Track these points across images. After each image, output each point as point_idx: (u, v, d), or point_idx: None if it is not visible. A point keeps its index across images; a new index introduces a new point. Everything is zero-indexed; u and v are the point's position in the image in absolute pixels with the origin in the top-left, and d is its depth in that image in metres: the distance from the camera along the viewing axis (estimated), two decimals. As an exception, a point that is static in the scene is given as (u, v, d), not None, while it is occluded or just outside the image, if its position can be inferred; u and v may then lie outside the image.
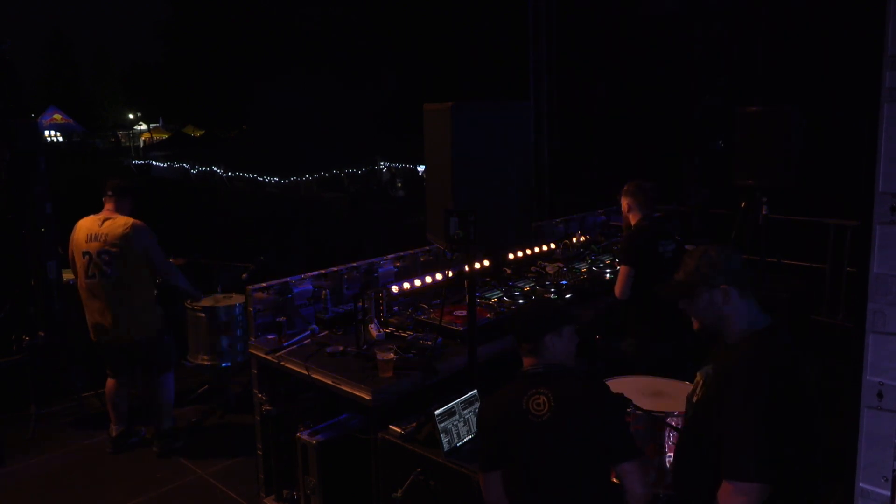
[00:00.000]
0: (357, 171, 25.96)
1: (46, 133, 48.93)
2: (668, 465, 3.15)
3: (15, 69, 5.37)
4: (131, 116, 63.08)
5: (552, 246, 5.63)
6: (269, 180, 26.03)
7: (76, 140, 51.53)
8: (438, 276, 4.55)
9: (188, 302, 5.39)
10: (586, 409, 2.42)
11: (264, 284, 3.96)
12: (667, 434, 3.12)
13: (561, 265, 5.16)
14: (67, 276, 5.57)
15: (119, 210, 4.61)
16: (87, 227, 4.57)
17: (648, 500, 2.48)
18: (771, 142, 5.09)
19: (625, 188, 4.39)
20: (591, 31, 8.99)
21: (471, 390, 3.04)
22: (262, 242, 10.92)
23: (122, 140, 55.34)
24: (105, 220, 4.55)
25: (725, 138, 6.92)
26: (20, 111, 5.43)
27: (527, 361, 2.55)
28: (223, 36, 43.90)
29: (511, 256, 5.18)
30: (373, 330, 3.76)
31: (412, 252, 4.69)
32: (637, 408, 3.02)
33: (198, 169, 30.43)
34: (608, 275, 4.93)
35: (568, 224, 6.21)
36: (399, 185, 24.99)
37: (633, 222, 4.32)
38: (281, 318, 3.85)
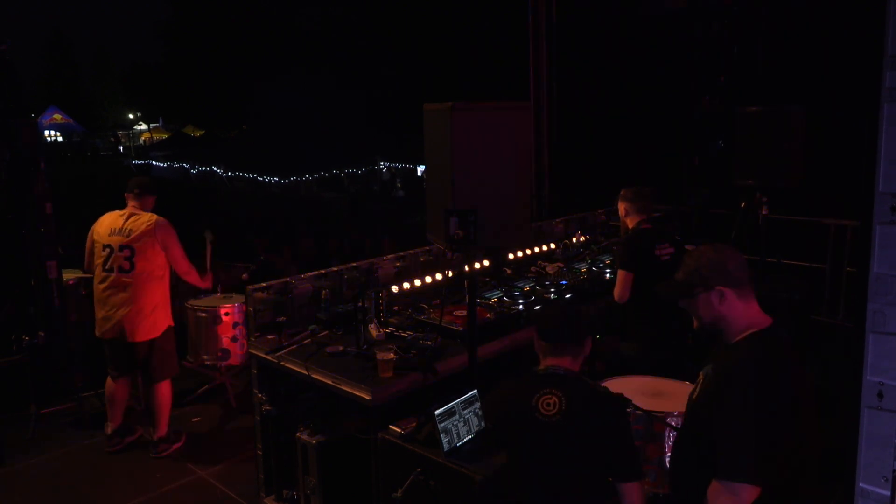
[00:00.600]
0: (357, 171, 25.97)
1: (46, 133, 48.93)
2: (667, 464, 3.15)
3: (15, 69, 5.37)
4: (131, 116, 63.09)
5: (552, 246, 5.63)
6: (270, 180, 26.05)
7: (76, 140, 51.52)
8: (438, 276, 4.54)
9: (188, 302, 5.40)
10: (597, 420, 2.44)
11: (264, 284, 3.96)
12: (667, 434, 3.12)
13: (561, 265, 5.16)
14: (68, 276, 5.57)
15: (142, 208, 4.67)
16: (110, 221, 4.62)
17: None
18: (771, 142, 5.09)
19: (621, 193, 4.41)
20: (591, 31, 8.98)
21: (471, 390, 3.04)
22: (262, 243, 10.92)
23: (122, 140, 55.35)
24: (130, 215, 4.62)
25: (725, 138, 6.92)
26: (20, 111, 5.42)
27: (546, 361, 2.61)
28: (223, 36, 43.89)
29: (511, 256, 5.18)
30: (373, 330, 3.75)
31: (412, 252, 4.69)
32: (637, 408, 3.02)
33: (198, 169, 30.44)
34: (608, 275, 4.93)
35: (568, 224, 6.21)
36: (399, 185, 25.00)
37: (630, 226, 4.33)
38: (281, 318, 3.85)
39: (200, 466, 4.63)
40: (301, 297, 4.03)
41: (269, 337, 3.87)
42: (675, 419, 3.12)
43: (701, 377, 2.39)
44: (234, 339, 5.29)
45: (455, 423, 2.90)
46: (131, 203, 4.68)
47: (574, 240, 5.79)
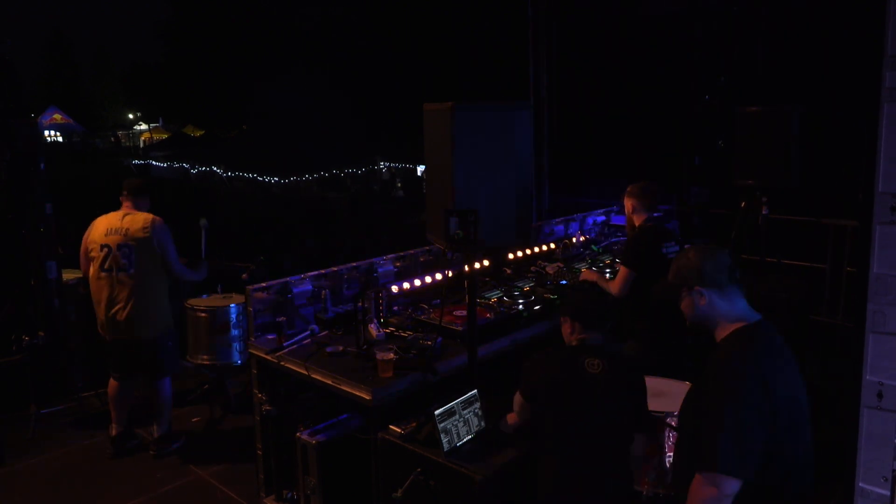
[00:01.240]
0: (357, 171, 25.97)
1: (46, 133, 48.88)
2: (667, 465, 3.15)
3: (15, 69, 5.37)
4: (131, 116, 63.05)
5: (552, 246, 5.63)
6: (270, 180, 26.05)
7: (76, 140, 51.51)
8: (438, 276, 4.54)
9: (188, 302, 5.40)
10: (630, 378, 2.86)
11: (264, 284, 3.96)
12: (667, 434, 3.13)
13: (561, 265, 5.16)
14: (68, 276, 5.57)
15: (137, 208, 4.69)
16: (106, 221, 4.62)
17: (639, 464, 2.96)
18: (771, 142, 5.09)
19: (628, 189, 4.39)
20: (591, 30, 8.98)
21: (471, 390, 3.04)
22: (263, 242, 10.93)
23: (122, 140, 55.32)
24: (125, 215, 4.63)
25: (725, 138, 6.92)
26: (20, 111, 5.43)
27: (580, 336, 2.97)
28: (223, 36, 43.87)
29: (511, 256, 5.18)
30: (373, 330, 3.75)
31: (412, 252, 4.69)
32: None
33: (198, 169, 30.44)
34: (608, 275, 4.93)
35: (568, 224, 6.21)
36: (399, 185, 25.00)
37: (636, 224, 4.32)
38: (281, 318, 3.85)
39: (200, 466, 4.63)
40: (301, 297, 4.03)
41: (269, 337, 3.87)
42: (675, 419, 3.12)
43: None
44: (233, 340, 5.29)
45: (455, 423, 2.91)
46: (126, 204, 4.69)
47: (574, 240, 5.79)
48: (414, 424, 3.00)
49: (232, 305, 5.29)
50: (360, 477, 3.32)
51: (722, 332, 2.30)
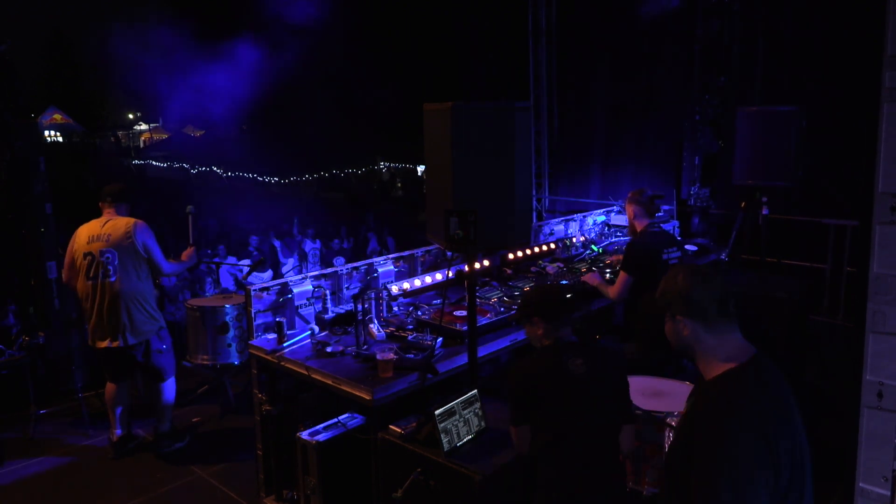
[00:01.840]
0: (357, 171, 25.96)
1: (46, 133, 48.86)
2: (668, 465, 3.15)
3: (15, 69, 5.37)
4: (131, 116, 62.98)
5: (552, 246, 5.63)
6: (270, 180, 26.05)
7: (76, 140, 51.49)
8: (438, 276, 4.54)
9: (188, 302, 5.40)
10: (613, 372, 2.80)
11: (264, 284, 3.96)
12: (667, 434, 3.13)
13: (561, 265, 5.16)
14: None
15: (118, 213, 4.68)
16: (87, 230, 4.60)
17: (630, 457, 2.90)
18: (771, 142, 5.09)
19: (630, 196, 4.41)
20: (591, 30, 8.98)
21: (471, 390, 3.04)
22: (262, 242, 10.91)
23: (122, 140, 55.28)
24: (106, 221, 4.61)
25: (725, 138, 6.92)
26: (20, 111, 5.43)
27: (554, 334, 2.83)
28: (223, 35, 43.80)
29: (511, 256, 5.18)
30: (373, 330, 3.75)
31: (412, 252, 4.69)
32: (637, 408, 3.03)
33: (198, 169, 30.43)
34: (608, 275, 4.93)
35: (568, 224, 6.21)
36: (399, 185, 25.00)
37: (638, 229, 4.34)
38: (281, 318, 3.85)
39: (200, 466, 4.63)
40: (301, 297, 4.03)
41: (269, 337, 3.87)
42: (675, 419, 3.12)
43: (685, 410, 2.16)
44: (233, 340, 5.29)
45: (455, 423, 2.90)
46: (107, 210, 4.67)
47: (574, 240, 5.79)
48: (414, 424, 2.99)
49: (232, 305, 5.29)
50: (360, 477, 3.32)
51: (709, 371, 2.04)
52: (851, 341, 2.14)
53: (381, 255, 5.19)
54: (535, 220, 7.72)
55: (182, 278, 7.67)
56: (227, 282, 7.92)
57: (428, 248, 4.71)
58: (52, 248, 5.50)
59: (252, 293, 3.88)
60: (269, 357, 3.71)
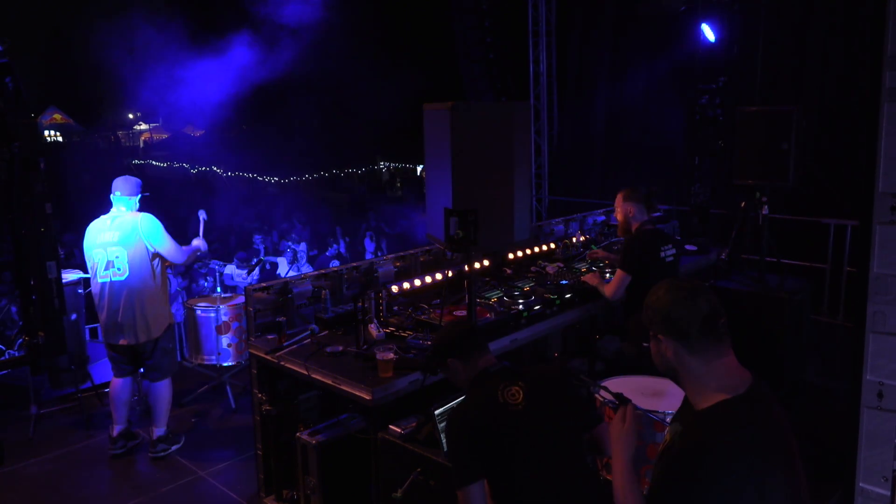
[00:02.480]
0: (357, 171, 25.97)
1: (46, 133, 48.87)
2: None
3: (15, 69, 5.36)
4: (131, 116, 62.98)
5: (552, 246, 5.63)
6: (270, 180, 26.06)
7: (76, 140, 51.49)
8: (438, 276, 4.54)
9: (188, 301, 5.40)
10: (557, 391, 2.55)
11: (264, 284, 3.96)
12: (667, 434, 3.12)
13: (561, 265, 5.16)
14: (67, 276, 5.58)
15: (127, 208, 4.65)
16: (98, 226, 4.60)
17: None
18: (771, 142, 5.09)
19: (624, 194, 4.39)
20: (591, 30, 8.99)
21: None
22: (262, 242, 10.92)
23: (122, 140, 55.28)
24: (115, 218, 4.60)
25: (725, 138, 6.92)
26: (20, 111, 5.42)
27: (479, 364, 2.59)
28: (222, 36, 43.80)
29: (511, 256, 5.17)
30: (373, 330, 3.75)
31: (412, 252, 4.69)
32: (637, 408, 3.02)
33: (197, 169, 30.43)
34: (608, 275, 4.93)
35: (568, 224, 6.21)
36: (399, 185, 25.01)
37: (633, 228, 4.32)
38: (281, 318, 3.85)
39: (200, 466, 4.63)
40: (301, 297, 4.03)
41: (269, 337, 3.87)
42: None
43: (668, 437, 2.01)
44: (233, 340, 5.29)
45: (455, 423, 2.90)
46: (116, 205, 4.65)
47: (574, 240, 5.79)
48: (414, 424, 2.99)
49: (232, 305, 5.29)
50: (360, 477, 3.32)
51: (699, 400, 1.86)
52: (851, 341, 2.14)
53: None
54: (534, 220, 7.73)
55: (177, 272, 7.69)
56: (228, 281, 7.93)
57: (428, 247, 4.71)
58: (52, 248, 5.49)
59: (252, 293, 3.88)
60: (269, 357, 3.71)
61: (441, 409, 2.87)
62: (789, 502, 1.76)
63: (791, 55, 7.07)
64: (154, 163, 34.67)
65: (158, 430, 4.76)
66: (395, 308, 4.22)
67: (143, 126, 59.33)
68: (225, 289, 5.80)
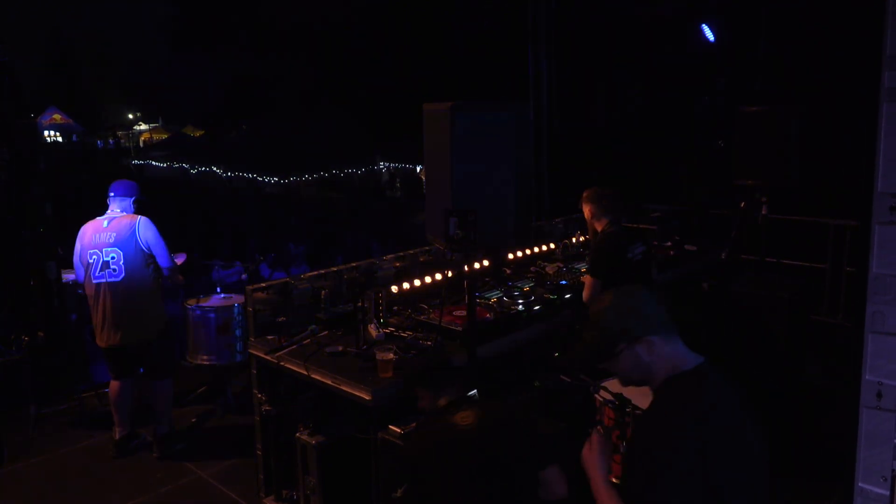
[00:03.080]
0: (357, 171, 25.98)
1: (46, 133, 48.89)
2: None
3: (15, 69, 5.37)
4: (131, 116, 63.01)
5: (552, 246, 5.63)
6: (270, 180, 26.08)
7: (76, 140, 51.51)
8: (438, 276, 4.54)
9: (188, 301, 5.40)
10: (514, 414, 2.59)
11: (264, 284, 3.96)
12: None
13: (561, 265, 5.16)
14: (67, 275, 5.58)
15: (123, 210, 4.65)
16: (92, 227, 4.60)
17: None
18: (771, 142, 5.10)
19: (585, 195, 4.31)
20: (591, 30, 8.99)
21: (471, 390, 3.04)
22: (262, 242, 10.93)
23: (122, 140, 55.31)
24: (111, 219, 4.60)
25: (725, 138, 6.92)
26: (20, 111, 5.43)
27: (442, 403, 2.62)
28: (223, 35, 43.85)
29: (511, 256, 5.18)
30: (373, 330, 3.76)
31: (412, 252, 4.69)
32: (637, 408, 3.03)
33: (197, 169, 30.46)
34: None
35: (568, 224, 6.21)
36: (398, 185, 25.03)
37: (599, 229, 4.24)
38: (281, 318, 3.85)
39: (200, 466, 4.63)
40: (301, 296, 4.03)
41: (269, 337, 3.87)
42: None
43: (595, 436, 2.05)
44: (233, 339, 5.29)
45: (455, 423, 2.90)
46: (112, 206, 4.66)
47: (574, 240, 5.79)
48: (414, 424, 2.99)
49: (232, 305, 5.29)
50: (360, 477, 3.32)
51: (659, 381, 1.91)
52: (851, 341, 2.14)
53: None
54: (534, 220, 7.72)
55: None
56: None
57: (428, 248, 4.71)
58: (52, 248, 5.50)
59: (252, 293, 3.88)
60: (269, 357, 3.71)
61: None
62: (738, 463, 1.77)
63: (791, 55, 7.07)
64: (154, 163, 34.67)
65: (162, 428, 4.76)
66: (395, 308, 4.22)
67: (143, 126, 59.36)
68: (224, 289, 5.80)
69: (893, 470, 2.06)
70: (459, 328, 3.76)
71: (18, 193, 5.39)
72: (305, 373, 3.48)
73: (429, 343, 3.55)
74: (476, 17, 9.60)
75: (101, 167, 30.42)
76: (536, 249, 5.48)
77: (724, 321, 5.27)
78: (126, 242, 4.51)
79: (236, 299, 5.42)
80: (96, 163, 34.81)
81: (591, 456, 2.00)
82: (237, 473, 4.51)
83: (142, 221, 4.57)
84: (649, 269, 4.42)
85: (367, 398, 3.18)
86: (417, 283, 4.44)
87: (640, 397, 3.22)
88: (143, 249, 4.54)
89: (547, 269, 5.05)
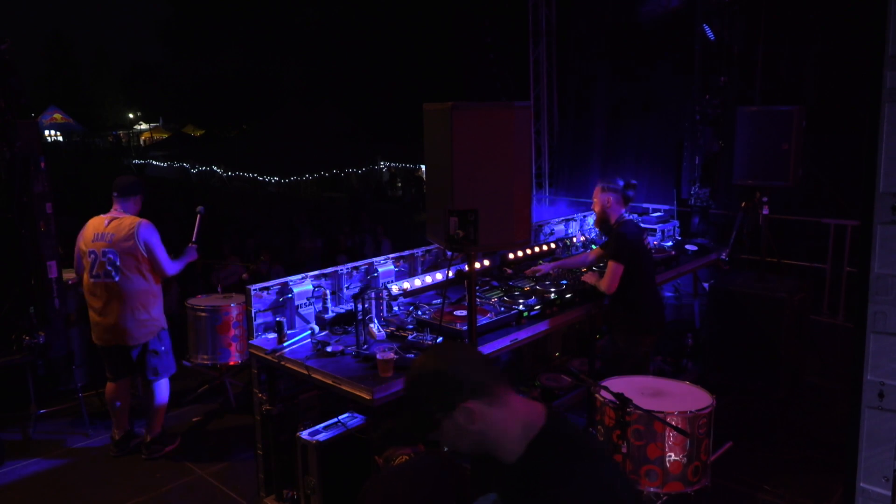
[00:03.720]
0: (357, 171, 25.98)
1: (46, 133, 48.89)
2: (667, 464, 3.16)
3: (15, 69, 5.36)
4: (131, 116, 63.01)
5: (552, 246, 5.63)
6: (270, 180, 26.07)
7: (76, 140, 51.50)
8: (438, 276, 4.54)
9: (188, 301, 5.40)
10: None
11: (264, 284, 3.96)
12: (667, 434, 3.13)
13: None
14: (67, 275, 5.57)
15: (125, 210, 4.62)
16: (94, 225, 4.58)
17: None
18: (771, 142, 5.10)
19: (604, 185, 4.37)
20: (591, 30, 8.99)
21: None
22: (263, 243, 10.93)
23: (122, 140, 55.32)
24: (112, 219, 4.57)
25: (725, 138, 6.93)
26: (20, 111, 5.42)
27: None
28: (222, 35, 43.84)
29: (511, 256, 5.17)
30: (373, 330, 3.75)
31: (412, 252, 4.69)
32: (637, 408, 3.03)
33: (198, 169, 30.44)
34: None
35: (568, 224, 6.21)
36: (399, 184, 25.03)
37: (614, 219, 4.33)
38: (281, 318, 3.85)
39: (200, 466, 4.62)
40: (301, 297, 4.03)
41: (269, 337, 3.87)
42: (675, 419, 3.12)
43: None
44: (234, 339, 5.29)
45: (455, 423, 2.90)
46: (115, 206, 4.63)
47: (574, 240, 5.79)
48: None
49: (232, 305, 5.29)
50: (360, 477, 3.32)
51: (511, 452, 1.66)
52: (851, 341, 2.14)
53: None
54: (534, 220, 7.72)
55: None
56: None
57: (428, 248, 4.71)
58: (52, 247, 5.49)
59: (252, 293, 3.88)
60: (269, 357, 3.71)
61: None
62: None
63: (791, 55, 7.07)
64: (154, 162, 34.66)
65: (152, 433, 4.74)
66: (395, 308, 4.22)
67: (144, 126, 59.37)
68: (224, 289, 5.81)
69: (895, 470, 2.06)
70: (460, 328, 3.76)
71: (18, 193, 5.39)
72: (305, 373, 3.48)
73: (429, 343, 3.54)
74: (476, 17, 9.59)
75: (102, 166, 30.40)
76: (537, 249, 5.48)
77: (725, 322, 5.27)
78: (125, 244, 4.47)
79: (236, 299, 5.42)
80: (97, 162, 34.80)
81: None
82: (237, 473, 4.51)
83: (141, 224, 4.52)
84: (653, 258, 4.65)
85: (367, 398, 3.18)
86: (417, 283, 4.44)
87: (640, 397, 3.23)
88: (141, 252, 4.50)
89: (542, 268, 5.04)
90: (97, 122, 60.66)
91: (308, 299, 4.05)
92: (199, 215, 5.08)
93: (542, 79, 9.40)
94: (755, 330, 5.10)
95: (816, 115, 5.88)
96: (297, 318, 4.00)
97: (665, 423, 3.06)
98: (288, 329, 3.87)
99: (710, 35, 6.93)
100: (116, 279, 4.48)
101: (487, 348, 3.72)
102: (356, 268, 4.35)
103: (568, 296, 4.39)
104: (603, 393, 3.21)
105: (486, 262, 4.92)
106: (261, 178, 26.49)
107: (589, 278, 4.53)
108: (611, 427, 3.20)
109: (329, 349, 3.61)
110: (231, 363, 5.37)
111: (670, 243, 5.91)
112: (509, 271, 5.01)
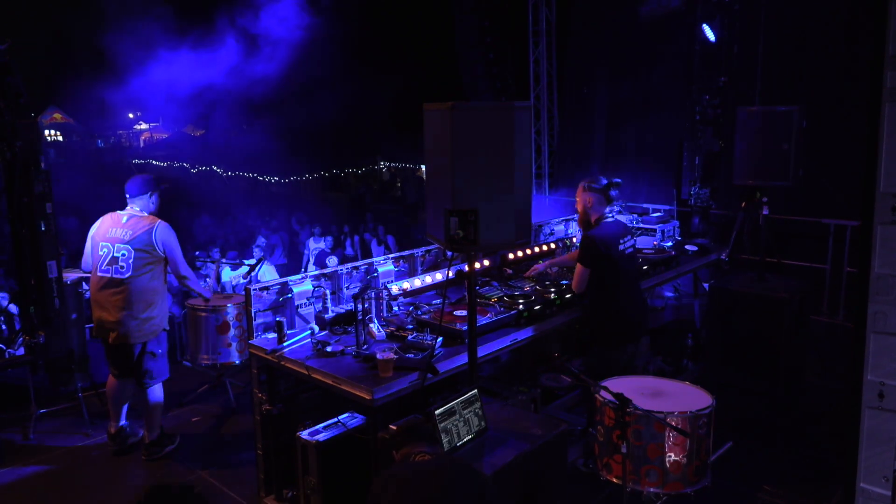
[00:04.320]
0: (357, 171, 25.97)
1: (46, 133, 48.85)
2: (667, 464, 3.16)
3: (15, 69, 5.36)
4: (131, 116, 62.96)
5: (552, 246, 5.63)
6: (270, 180, 26.07)
7: (76, 140, 51.47)
8: (438, 276, 4.54)
9: (188, 301, 5.40)
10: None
11: (264, 284, 3.96)
12: (667, 434, 3.13)
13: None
14: (68, 275, 5.57)
15: (143, 209, 4.64)
16: (110, 220, 4.59)
17: None
18: (771, 142, 5.10)
19: (585, 184, 4.31)
20: (591, 30, 8.99)
21: (471, 390, 3.04)
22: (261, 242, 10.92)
23: (123, 139, 55.27)
24: (130, 217, 4.58)
25: (725, 138, 6.93)
26: (20, 111, 5.42)
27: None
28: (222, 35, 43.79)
29: (511, 256, 5.17)
30: (373, 330, 3.75)
31: (412, 252, 4.69)
32: (637, 408, 3.03)
33: (198, 168, 30.42)
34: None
35: (568, 224, 6.21)
36: (399, 184, 25.02)
37: (594, 219, 4.24)
38: (281, 318, 3.84)
39: (200, 466, 4.62)
40: (301, 297, 4.03)
41: (269, 337, 3.87)
42: (675, 419, 3.12)
43: None
44: (233, 339, 5.29)
45: (455, 423, 2.91)
46: (131, 204, 4.65)
47: (574, 240, 5.78)
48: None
49: (232, 305, 5.29)
50: (360, 477, 3.32)
51: None
52: (851, 341, 2.14)
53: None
54: (534, 220, 7.72)
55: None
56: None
57: (428, 248, 4.71)
58: (52, 247, 5.49)
59: (252, 292, 3.87)
60: (269, 357, 3.71)
61: (441, 409, 2.87)
62: None
63: (791, 55, 7.07)
64: (154, 162, 34.63)
65: (150, 435, 4.74)
66: (395, 308, 4.22)
67: (144, 126, 59.34)
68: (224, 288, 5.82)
69: (895, 470, 2.06)
70: (460, 328, 3.76)
71: (18, 193, 5.39)
72: (305, 373, 3.48)
73: (429, 343, 3.54)
74: (476, 17, 9.60)
75: (102, 166, 30.37)
76: (537, 249, 5.48)
77: (725, 322, 5.27)
78: (141, 242, 4.48)
79: (236, 299, 5.41)
80: (97, 162, 34.76)
81: None
82: (237, 473, 4.51)
83: (160, 225, 4.55)
84: (636, 262, 4.48)
85: (367, 398, 3.18)
86: (417, 283, 4.44)
87: (640, 397, 3.23)
88: (157, 252, 4.51)
89: (539, 268, 5.03)
90: (97, 121, 60.56)
91: (308, 299, 4.05)
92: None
93: (542, 79, 9.40)
94: (755, 330, 5.10)
95: (816, 115, 5.88)
96: (296, 318, 4.00)
97: (665, 423, 3.06)
98: (288, 329, 3.87)
99: (711, 35, 6.93)
100: (126, 276, 4.49)
101: (487, 348, 3.72)
102: (356, 268, 4.35)
103: (568, 296, 4.39)
104: (603, 393, 3.21)
105: (486, 262, 4.92)
106: (261, 178, 26.48)
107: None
108: (611, 427, 3.20)
109: (329, 349, 3.61)
110: (231, 363, 5.37)
111: (670, 243, 5.90)
112: (509, 271, 5.01)
